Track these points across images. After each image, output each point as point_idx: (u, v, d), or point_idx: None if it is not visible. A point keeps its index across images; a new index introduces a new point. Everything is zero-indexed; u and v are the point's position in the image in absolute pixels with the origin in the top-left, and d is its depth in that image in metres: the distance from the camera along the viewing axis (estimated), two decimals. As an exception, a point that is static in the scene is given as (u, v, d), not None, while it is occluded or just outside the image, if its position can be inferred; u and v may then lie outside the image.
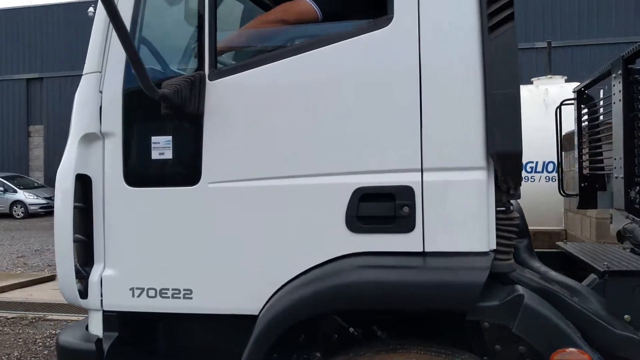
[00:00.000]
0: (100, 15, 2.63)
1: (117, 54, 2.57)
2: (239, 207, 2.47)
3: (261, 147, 2.45)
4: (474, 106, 2.25)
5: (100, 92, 2.62)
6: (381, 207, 2.31)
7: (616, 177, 3.08)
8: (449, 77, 2.28)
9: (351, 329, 2.39)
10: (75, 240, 2.63)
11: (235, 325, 2.52)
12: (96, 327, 2.66)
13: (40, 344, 6.22)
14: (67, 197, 2.62)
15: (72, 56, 25.12)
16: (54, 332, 6.56)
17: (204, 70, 2.47)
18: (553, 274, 2.72)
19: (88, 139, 2.64)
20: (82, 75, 2.70)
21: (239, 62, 2.64)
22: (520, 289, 2.19)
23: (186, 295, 2.52)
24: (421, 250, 2.29)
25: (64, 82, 26.35)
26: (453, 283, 2.18)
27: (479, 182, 2.26)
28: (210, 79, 2.46)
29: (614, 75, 3.05)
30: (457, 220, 2.27)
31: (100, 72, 2.63)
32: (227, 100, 2.46)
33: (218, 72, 2.49)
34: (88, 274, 2.65)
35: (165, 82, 2.41)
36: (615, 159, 3.04)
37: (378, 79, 2.34)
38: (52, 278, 9.38)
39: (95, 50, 2.64)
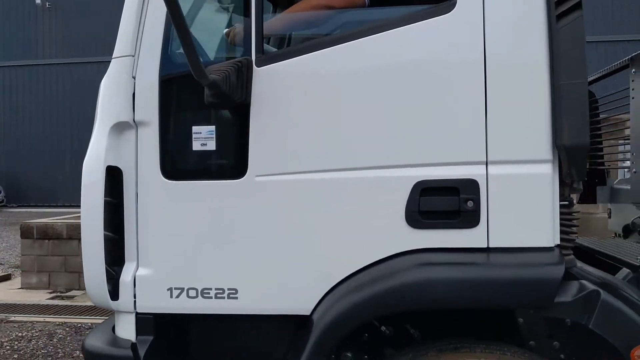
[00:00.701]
0: None
1: (153, 37, 2.39)
2: (289, 202, 2.33)
3: (313, 138, 2.32)
4: (541, 97, 2.19)
5: (133, 77, 2.42)
6: (444, 202, 2.23)
7: (635, 172, 3.11)
8: (515, 67, 2.22)
9: (411, 330, 2.30)
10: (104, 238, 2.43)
11: (276, 327, 2.39)
12: (127, 330, 2.47)
13: (8, 347, 5.85)
14: (96, 190, 2.41)
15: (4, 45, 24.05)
16: (20, 334, 6.20)
17: (251, 56, 2.31)
18: (590, 269, 2.71)
19: (119, 128, 2.43)
20: (102, 60, 2.49)
21: (285, 48, 2.50)
22: (590, 284, 2.15)
23: (231, 295, 2.36)
24: (485, 246, 2.22)
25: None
26: (530, 279, 2.12)
27: (545, 175, 2.21)
28: (258, 65, 2.31)
29: (633, 70, 3.07)
30: (523, 214, 2.22)
31: (133, 56, 2.43)
32: (276, 87, 2.31)
33: (266, 58, 2.34)
34: (117, 273, 2.45)
35: (210, 67, 2.23)
36: (633, 154, 3.07)
37: (440, 67, 2.25)
38: (6, 277, 8.88)
39: (128, 32, 2.43)
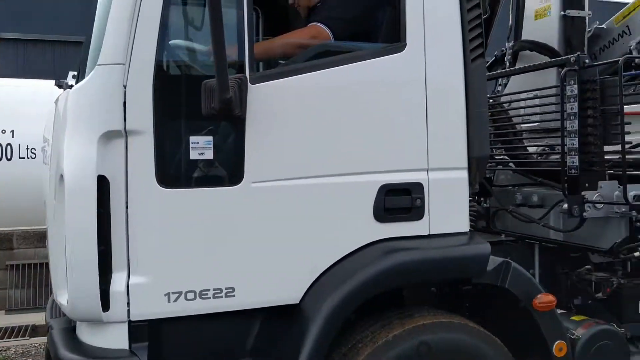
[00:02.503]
0: (122, 2, 2.43)
1: (147, 45, 2.44)
2: (280, 204, 2.64)
3: (300, 149, 2.67)
4: (461, 121, 2.94)
5: (124, 86, 2.42)
6: (401, 200, 2.82)
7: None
8: (445, 97, 2.92)
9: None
10: (89, 249, 2.37)
11: (267, 318, 2.68)
12: (118, 339, 2.45)
13: None
14: (87, 201, 2.36)
15: None
16: None
17: (246, 74, 2.56)
18: None
19: (106, 136, 2.41)
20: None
21: (273, 69, 2.79)
22: (498, 257, 2.99)
23: (228, 294, 2.56)
24: (427, 233, 2.88)
25: None
26: (472, 255, 2.87)
27: (463, 179, 2.97)
28: (252, 83, 2.56)
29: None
30: (451, 208, 2.95)
31: (124, 64, 2.43)
32: (268, 103, 2.60)
33: (259, 77, 2.61)
34: (106, 284, 2.42)
35: (206, 81, 2.41)
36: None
37: (396, 97, 2.84)
38: None
39: (117, 40, 2.42)
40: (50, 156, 2.97)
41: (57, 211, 2.58)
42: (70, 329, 2.72)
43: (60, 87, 3.03)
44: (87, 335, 2.54)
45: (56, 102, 3.39)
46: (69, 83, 2.97)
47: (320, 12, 3.05)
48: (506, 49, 4.65)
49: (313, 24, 2.95)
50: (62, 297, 2.53)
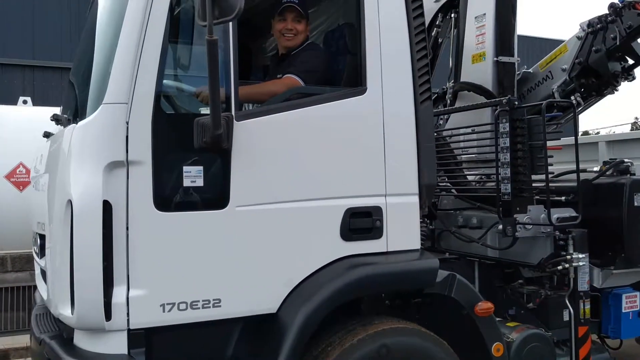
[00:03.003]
0: (127, 45, 2.80)
1: (147, 86, 2.81)
2: (261, 225, 3.04)
3: (279, 177, 3.09)
4: (413, 153, 3.44)
5: (127, 122, 2.78)
6: (364, 222, 3.27)
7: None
8: (400, 133, 3.41)
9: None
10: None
11: (247, 327, 3.05)
12: (118, 346, 2.76)
13: None
14: (94, 223, 2.69)
15: None
16: None
17: (232, 112, 2.96)
18: None
19: (111, 166, 2.75)
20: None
21: (254, 109, 3.22)
22: (444, 271, 3.47)
23: (215, 304, 2.92)
24: (385, 250, 3.34)
25: None
26: (423, 269, 3.35)
27: (415, 203, 3.45)
28: (237, 120, 2.97)
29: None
30: (405, 228, 3.42)
31: (127, 103, 2.79)
32: (251, 137, 3.00)
33: (243, 115, 3.01)
34: (108, 297, 2.74)
35: (199, 118, 2.81)
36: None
37: (361, 131, 3.31)
38: None
39: (122, 82, 2.78)
40: (47, 185, 3.27)
41: (57, 233, 2.89)
42: (66, 340, 3.00)
43: (57, 121, 3.34)
44: (87, 344, 2.83)
45: (48, 136, 3.69)
46: (67, 117, 3.27)
47: (294, 63, 3.50)
48: (447, 88, 5.25)
49: (287, 75, 3.41)
50: (64, 310, 2.82)
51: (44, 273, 3.44)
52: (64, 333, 3.08)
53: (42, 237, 3.39)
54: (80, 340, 2.89)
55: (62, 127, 3.26)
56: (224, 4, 2.55)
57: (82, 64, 3.46)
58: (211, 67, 2.61)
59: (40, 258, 3.48)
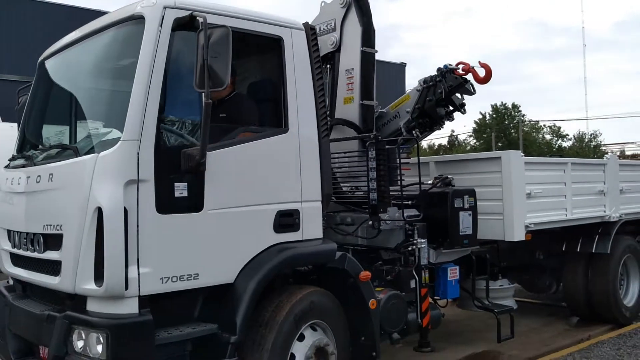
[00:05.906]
0: (140, 87, 4.04)
1: (152, 128, 4.08)
2: (224, 222, 4.42)
3: (234, 189, 4.50)
4: (318, 172, 5.04)
5: (137, 153, 4.02)
6: (288, 220, 4.80)
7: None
8: (310, 158, 4.98)
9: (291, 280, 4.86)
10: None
11: (210, 295, 4.42)
12: (131, 307, 3.96)
13: None
14: (118, 222, 3.90)
15: None
16: None
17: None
18: None
19: (127, 183, 3.98)
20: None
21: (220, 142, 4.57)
22: (339, 251, 5.10)
23: (195, 277, 4.25)
24: (302, 239, 4.89)
25: None
26: (327, 250, 4.96)
27: (319, 206, 5.06)
28: (208, 151, 4.33)
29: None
30: (314, 223, 5.00)
31: (138, 140, 4.03)
32: (217, 162, 4.37)
33: (211, 147, 4.38)
34: (125, 273, 3.95)
35: (186, 150, 4.16)
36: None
37: (285, 158, 4.84)
38: None
39: (134, 124, 4.02)
40: (52, 200, 4.35)
41: (83, 231, 3.98)
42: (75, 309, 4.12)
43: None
44: (103, 308, 3.99)
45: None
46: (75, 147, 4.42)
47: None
48: (324, 122, 6.96)
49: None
50: (89, 285, 3.97)
51: (43, 264, 4.46)
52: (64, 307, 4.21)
53: (45, 236, 4.41)
54: (95, 306, 4.02)
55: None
56: (216, 79, 3.93)
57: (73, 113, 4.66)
58: (205, 120, 3.98)
59: (43, 252, 4.47)
